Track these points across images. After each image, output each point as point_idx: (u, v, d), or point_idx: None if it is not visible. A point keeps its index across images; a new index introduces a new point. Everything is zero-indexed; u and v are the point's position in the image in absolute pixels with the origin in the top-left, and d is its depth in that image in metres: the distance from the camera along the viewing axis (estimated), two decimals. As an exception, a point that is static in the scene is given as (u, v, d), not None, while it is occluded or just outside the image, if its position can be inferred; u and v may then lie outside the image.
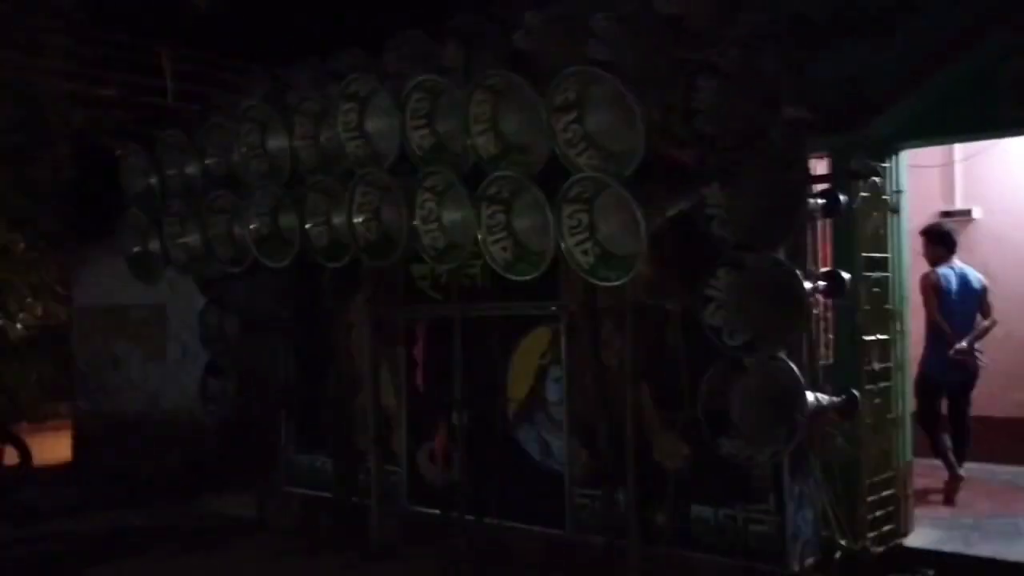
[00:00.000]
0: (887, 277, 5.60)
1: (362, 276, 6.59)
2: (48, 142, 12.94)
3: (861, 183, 5.35)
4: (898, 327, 5.69)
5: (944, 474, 6.76)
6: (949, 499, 6.56)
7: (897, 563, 5.44)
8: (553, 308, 5.78)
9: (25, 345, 13.91)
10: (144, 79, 13.04)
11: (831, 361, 5.31)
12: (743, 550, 5.06)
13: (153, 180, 7.36)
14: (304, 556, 6.60)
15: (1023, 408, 7.59)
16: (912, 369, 6.14)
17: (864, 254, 5.43)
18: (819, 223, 5.14)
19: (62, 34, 12.93)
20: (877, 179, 5.50)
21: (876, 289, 5.52)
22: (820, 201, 4.94)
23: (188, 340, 8.54)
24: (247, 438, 7.61)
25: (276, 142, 6.48)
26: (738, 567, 5.10)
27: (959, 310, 6.73)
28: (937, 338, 6.73)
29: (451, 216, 5.53)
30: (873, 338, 5.45)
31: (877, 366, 5.47)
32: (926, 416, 6.65)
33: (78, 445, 10.59)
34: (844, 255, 5.35)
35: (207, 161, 6.96)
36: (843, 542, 5.18)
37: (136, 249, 7.46)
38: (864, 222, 5.45)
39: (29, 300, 14.30)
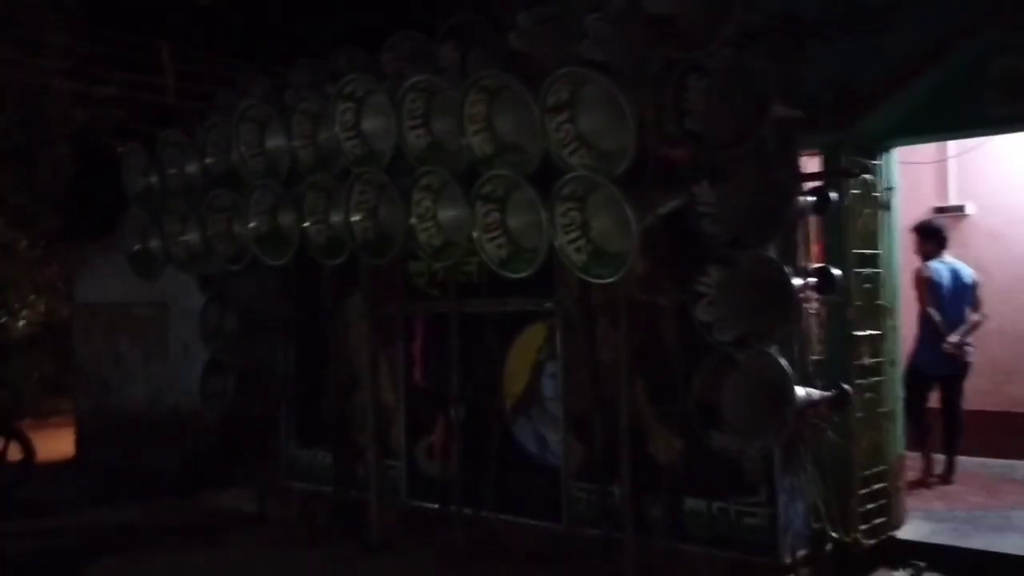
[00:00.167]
0: (878, 273, 5.64)
1: (360, 273, 6.65)
2: (49, 141, 13.00)
3: (851, 180, 5.41)
4: (890, 323, 5.74)
5: (938, 467, 6.91)
6: (925, 484, 6.75)
7: (889, 555, 5.50)
8: (549, 305, 5.83)
9: (27, 342, 14.00)
10: (145, 77, 13.09)
11: (823, 356, 5.37)
12: (736, 542, 5.12)
13: (153, 179, 7.44)
14: (304, 549, 6.67)
15: (1017, 402, 7.63)
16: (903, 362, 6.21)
17: (855, 250, 5.47)
18: (810, 220, 5.20)
19: (63, 33, 12.98)
20: (868, 176, 5.55)
21: (867, 285, 5.56)
22: (811, 199, 4.99)
23: (189, 337, 8.57)
24: (248, 434, 7.66)
25: (275, 141, 6.55)
26: (731, 559, 5.16)
27: (951, 304, 6.82)
28: (929, 332, 6.82)
29: (447, 214, 5.59)
30: (864, 333, 5.49)
31: (868, 361, 5.52)
32: (912, 408, 6.73)
33: (80, 441, 10.63)
34: (835, 252, 5.41)
35: (207, 160, 7.02)
36: (834, 534, 5.24)
37: (137, 247, 7.54)
38: (855, 219, 5.49)
39: (31, 298, 14.40)
